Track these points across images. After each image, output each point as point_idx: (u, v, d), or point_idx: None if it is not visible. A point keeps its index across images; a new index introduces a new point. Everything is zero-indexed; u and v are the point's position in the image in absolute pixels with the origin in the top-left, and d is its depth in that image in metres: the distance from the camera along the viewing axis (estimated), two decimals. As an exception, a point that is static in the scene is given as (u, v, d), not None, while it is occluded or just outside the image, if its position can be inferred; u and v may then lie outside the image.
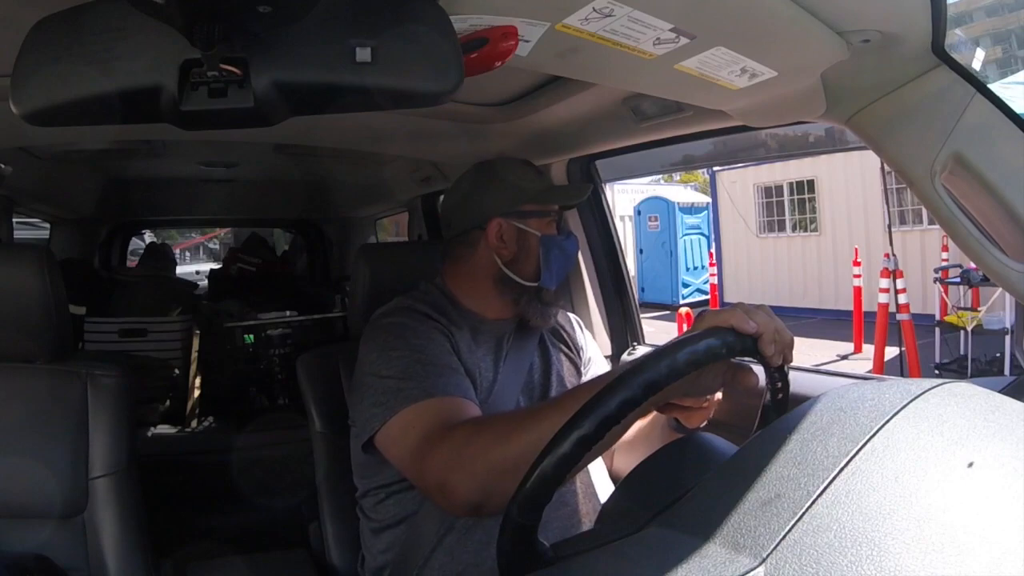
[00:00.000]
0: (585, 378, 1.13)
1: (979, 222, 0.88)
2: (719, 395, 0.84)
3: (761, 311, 0.66)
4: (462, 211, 1.07)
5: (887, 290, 5.38)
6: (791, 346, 0.68)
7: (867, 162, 6.93)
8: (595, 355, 1.18)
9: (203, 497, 1.95)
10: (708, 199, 9.84)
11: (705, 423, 0.86)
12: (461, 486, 0.76)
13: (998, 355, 4.47)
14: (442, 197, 1.13)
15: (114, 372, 1.11)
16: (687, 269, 9.57)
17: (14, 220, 2.36)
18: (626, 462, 1.08)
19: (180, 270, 4.02)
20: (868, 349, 5.88)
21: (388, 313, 1.00)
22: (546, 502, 0.53)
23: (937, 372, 4.78)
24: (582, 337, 1.18)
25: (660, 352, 0.57)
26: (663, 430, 0.96)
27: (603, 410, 0.53)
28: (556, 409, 0.73)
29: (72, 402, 1.07)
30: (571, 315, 1.22)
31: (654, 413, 0.91)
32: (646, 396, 0.55)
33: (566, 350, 1.14)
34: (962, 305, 5.05)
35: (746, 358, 0.67)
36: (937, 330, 5.00)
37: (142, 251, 3.66)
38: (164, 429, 2.31)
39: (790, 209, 8.53)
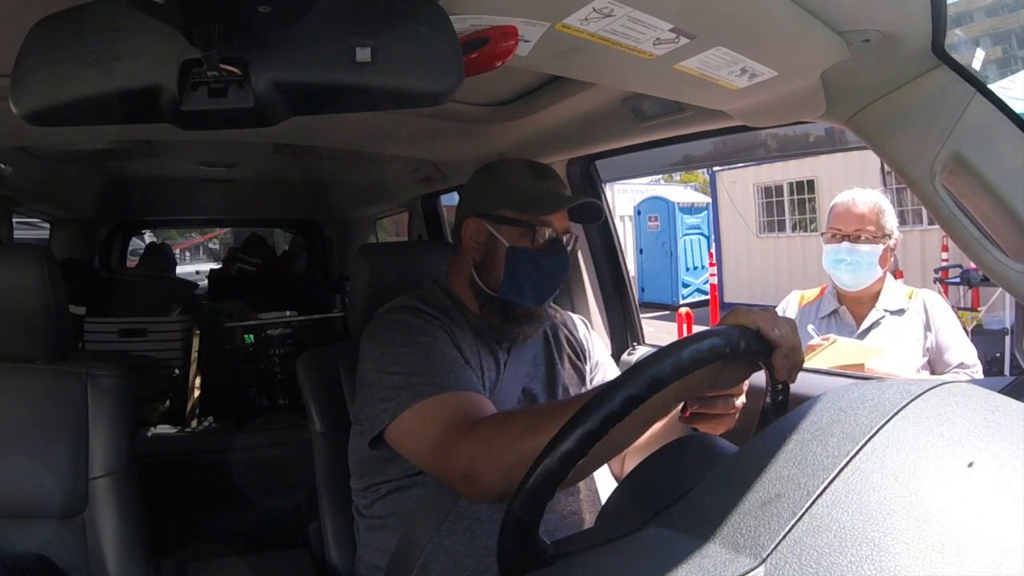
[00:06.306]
0: (592, 384, 1.12)
1: (979, 222, 0.88)
2: (741, 400, 0.83)
3: (788, 324, 0.67)
4: (460, 206, 1.09)
5: (887, 290, 5.37)
6: (799, 367, 0.68)
7: (867, 162, 6.90)
8: (603, 359, 1.16)
9: (203, 497, 1.94)
10: (708, 199, 9.84)
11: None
12: (488, 475, 0.77)
13: (998, 355, 4.46)
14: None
15: (114, 372, 1.11)
16: (687, 269, 9.57)
17: (14, 220, 2.36)
18: None
19: (180, 270, 4.02)
20: (868, 349, 5.86)
21: (392, 311, 1.00)
22: (548, 499, 0.53)
23: (937, 372, 4.77)
24: (588, 341, 1.16)
25: (665, 350, 0.57)
26: (679, 435, 0.93)
27: (608, 407, 0.53)
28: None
29: (72, 402, 1.07)
30: (576, 318, 1.19)
31: (672, 418, 0.89)
32: (650, 393, 0.55)
33: (571, 355, 1.12)
34: (962, 305, 5.04)
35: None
36: (937, 330, 4.99)
37: (142, 251, 3.66)
38: (164, 429, 2.30)
39: (790, 209, 8.52)
